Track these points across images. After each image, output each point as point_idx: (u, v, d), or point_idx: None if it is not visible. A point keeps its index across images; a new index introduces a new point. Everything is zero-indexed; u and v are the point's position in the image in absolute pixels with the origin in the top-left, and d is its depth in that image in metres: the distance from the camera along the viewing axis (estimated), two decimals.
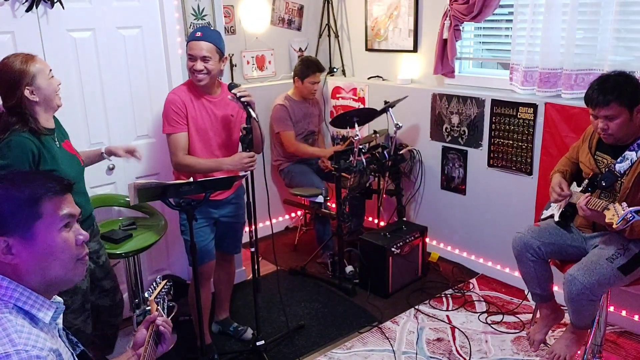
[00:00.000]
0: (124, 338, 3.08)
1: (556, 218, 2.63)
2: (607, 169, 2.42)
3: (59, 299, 1.32)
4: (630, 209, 2.09)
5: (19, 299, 1.18)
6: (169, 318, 1.60)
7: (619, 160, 2.38)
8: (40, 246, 1.21)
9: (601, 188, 2.44)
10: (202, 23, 3.30)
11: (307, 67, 3.97)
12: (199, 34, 2.63)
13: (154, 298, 1.60)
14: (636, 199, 2.31)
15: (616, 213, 2.13)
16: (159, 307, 1.57)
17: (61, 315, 1.31)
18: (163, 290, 1.65)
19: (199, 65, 2.61)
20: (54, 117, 2.31)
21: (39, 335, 1.15)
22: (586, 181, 2.51)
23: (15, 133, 2.07)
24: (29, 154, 2.06)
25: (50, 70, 2.18)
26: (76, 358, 1.33)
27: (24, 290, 1.19)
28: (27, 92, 2.08)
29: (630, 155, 2.34)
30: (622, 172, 2.36)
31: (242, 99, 2.52)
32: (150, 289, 1.64)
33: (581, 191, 2.50)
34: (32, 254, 1.20)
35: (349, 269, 3.70)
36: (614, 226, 2.11)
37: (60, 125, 2.38)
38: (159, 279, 1.70)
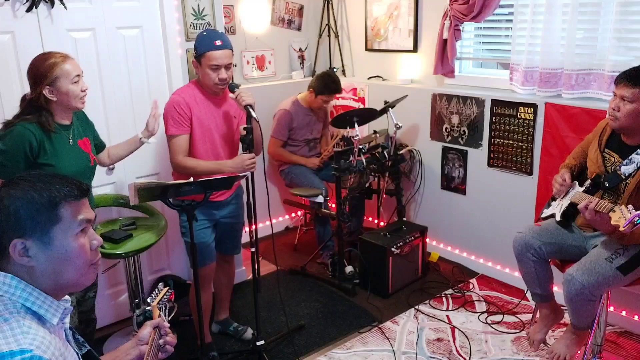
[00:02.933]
0: (124, 338, 3.08)
1: (558, 217, 2.63)
2: (612, 169, 2.42)
3: (67, 297, 1.31)
4: (638, 212, 2.07)
5: (27, 299, 1.18)
6: (169, 318, 1.60)
7: (625, 162, 2.37)
8: (57, 250, 1.21)
9: (604, 189, 2.43)
10: (202, 23, 3.30)
11: (326, 87, 3.86)
12: (219, 42, 2.54)
13: (157, 304, 1.60)
14: (639, 202, 2.31)
15: (623, 216, 2.10)
16: (161, 314, 1.57)
17: (69, 315, 1.30)
18: (165, 297, 1.65)
19: (224, 74, 2.57)
20: (83, 114, 2.49)
21: (44, 337, 1.15)
22: (589, 181, 2.51)
23: (22, 123, 2.20)
24: (26, 145, 2.17)
25: (78, 75, 2.25)
26: (81, 358, 1.33)
27: (33, 290, 1.19)
28: (46, 91, 2.20)
29: (637, 158, 2.33)
30: (627, 174, 2.36)
31: (244, 102, 2.52)
32: (153, 295, 1.65)
33: (584, 191, 2.50)
34: (49, 257, 1.20)
35: (348, 269, 3.70)
36: (621, 229, 2.08)
37: (86, 122, 2.51)
38: (161, 286, 1.70)
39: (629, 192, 2.33)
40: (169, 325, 1.54)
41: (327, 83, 3.88)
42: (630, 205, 2.14)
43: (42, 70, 2.19)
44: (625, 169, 2.36)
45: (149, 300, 1.62)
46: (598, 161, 2.48)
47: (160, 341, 1.50)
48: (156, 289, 1.68)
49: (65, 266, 1.23)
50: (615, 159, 2.43)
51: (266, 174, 2.57)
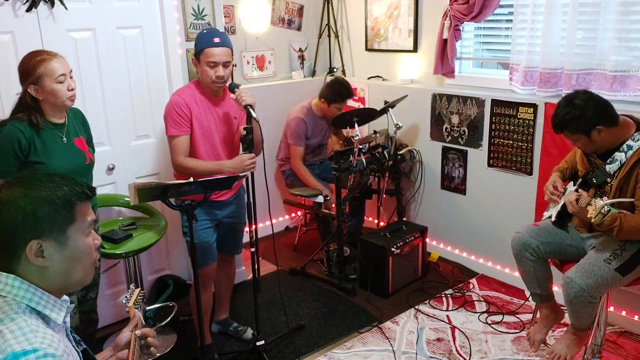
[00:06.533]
0: None
1: (553, 218, 2.63)
2: (599, 167, 2.43)
3: (65, 297, 1.32)
4: (606, 201, 2.10)
5: (31, 299, 1.18)
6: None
7: (608, 161, 2.38)
8: (71, 250, 1.22)
9: (593, 186, 2.45)
10: (202, 23, 3.30)
11: (338, 94, 3.78)
12: (217, 39, 2.56)
13: (133, 304, 1.58)
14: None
15: (595, 208, 2.14)
16: (137, 312, 1.56)
17: (69, 314, 1.31)
18: (139, 298, 1.63)
19: (221, 71, 2.57)
20: (81, 114, 2.50)
21: (53, 336, 1.15)
22: (579, 180, 2.52)
23: (12, 122, 2.20)
24: (15, 143, 2.18)
25: (64, 74, 2.23)
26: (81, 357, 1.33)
27: (36, 290, 1.19)
28: (31, 90, 2.20)
29: (620, 156, 2.34)
30: (612, 172, 2.37)
31: (244, 103, 2.52)
32: (127, 296, 1.64)
33: (575, 189, 2.51)
34: (63, 257, 1.21)
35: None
36: (592, 220, 2.14)
37: (81, 121, 2.49)
38: (132, 287, 1.69)
39: (614, 189, 2.35)
40: (144, 323, 1.54)
41: (338, 90, 3.79)
42: (606, 197, 2.16)
43: (27, 69, 2.19)
44: (610, 167, 2.38)
45: (123, 301, 1.61)
46: (584, 163, 2.51)
47: (142, 342, 1.49)
48: (129, 290, 1.68)
49: (76, 266, 1.24)
50: (599, 162, 2.45)
51: (266, 173, 2.57)
